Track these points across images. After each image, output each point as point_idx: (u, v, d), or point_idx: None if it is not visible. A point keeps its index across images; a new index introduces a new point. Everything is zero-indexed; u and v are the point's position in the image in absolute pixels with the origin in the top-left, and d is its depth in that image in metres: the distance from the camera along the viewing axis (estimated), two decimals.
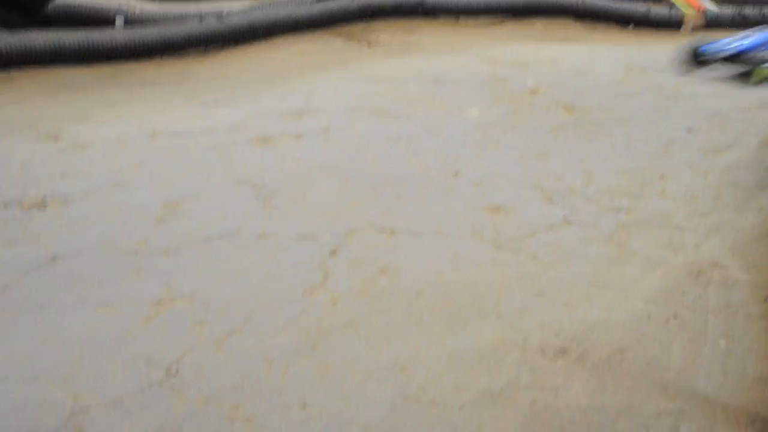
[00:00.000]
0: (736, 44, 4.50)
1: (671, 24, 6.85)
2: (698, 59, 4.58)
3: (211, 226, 2.43)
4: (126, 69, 5.05)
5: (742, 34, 4.75)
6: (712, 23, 6.81)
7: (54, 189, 2.71)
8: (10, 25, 5.37)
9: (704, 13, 6.89)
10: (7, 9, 5.45)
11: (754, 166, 3.02)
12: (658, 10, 6.92)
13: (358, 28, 6.43)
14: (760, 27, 4.99)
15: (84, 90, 4.42)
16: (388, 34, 6.41)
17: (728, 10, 7.00)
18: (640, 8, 6.88)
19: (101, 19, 6.03)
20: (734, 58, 4.44)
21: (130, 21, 6.05)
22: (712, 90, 4.22)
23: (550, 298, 2.00)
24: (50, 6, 5.91)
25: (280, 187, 2.75)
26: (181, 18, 5.87)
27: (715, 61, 4.50)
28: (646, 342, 1.80)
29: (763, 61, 4.35)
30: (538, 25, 6.83)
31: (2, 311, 1.95)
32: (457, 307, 1.96)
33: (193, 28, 5.32)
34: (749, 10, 6.94)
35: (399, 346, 1.78)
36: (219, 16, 5.65)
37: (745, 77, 4.34)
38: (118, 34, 5.06)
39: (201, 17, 5.63)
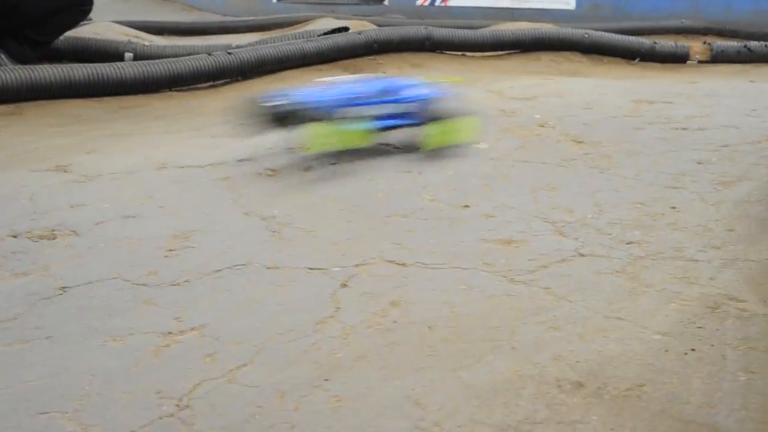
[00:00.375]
0: (300, 95, 3.29)
1: (677, 58, 6.89)
2: (260, 114, 3.22)
3: (220, 258, 2.42)
4: (134, 102, 5.08)
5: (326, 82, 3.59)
6: (718, 57, 6.85)
7: (63, 220, 2.71)
8: (21, 59, 5.41)
9: (710, 46, 6.93)
10: (18, 43, 5.49)
11: (767, 198, 3.00)
12: (664, 44, 6.96)
13: (364, 62, 6.47)
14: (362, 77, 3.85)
15: (93, 123, 4.44)
16: (394, 68, 6.45)
17: (734, 44, 7.03)
18: (646, 42, 6.92)
19: (110, 54, 6.08)
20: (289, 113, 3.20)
21: (139, 55, 6.10)
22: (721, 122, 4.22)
23: (565, 331, 1.97)
24: (60, 40, 5.96)
25: (289, 219, 2.74)
26: (189, 52, 5.91)
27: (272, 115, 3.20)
28: (665, 376, 1.77)
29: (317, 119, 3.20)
30: (544, 59, 6.87)
31: (12, 342, 1.93)
32: (470, 340, 1.93)
33: (202, 62, 5.35)
34: (755, 44, 6.97)
35: (413, 379, 1.76)
36: (228, 50, 5.69)
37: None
38: (127, 68, 5.09)
39: (210, 51, 5.67)
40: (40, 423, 1.61)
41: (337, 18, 9.25)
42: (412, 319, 2.03)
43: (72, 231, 2.62)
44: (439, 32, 6.70)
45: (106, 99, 5.07)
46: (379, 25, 7.59)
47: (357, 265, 2.35)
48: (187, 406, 1.66)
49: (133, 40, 6.63)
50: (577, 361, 1.83)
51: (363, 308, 2.09)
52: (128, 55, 5.95)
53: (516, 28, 7.13)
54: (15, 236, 2.56)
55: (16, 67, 4.83)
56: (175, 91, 5.45)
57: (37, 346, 1.92)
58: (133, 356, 1.86)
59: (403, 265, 2.37)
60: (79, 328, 2.00)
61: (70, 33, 6.02)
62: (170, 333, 1.97)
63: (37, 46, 5.63)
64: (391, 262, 2.39)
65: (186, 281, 2.27)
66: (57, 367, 1.82)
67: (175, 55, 5.73)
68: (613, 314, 2.08)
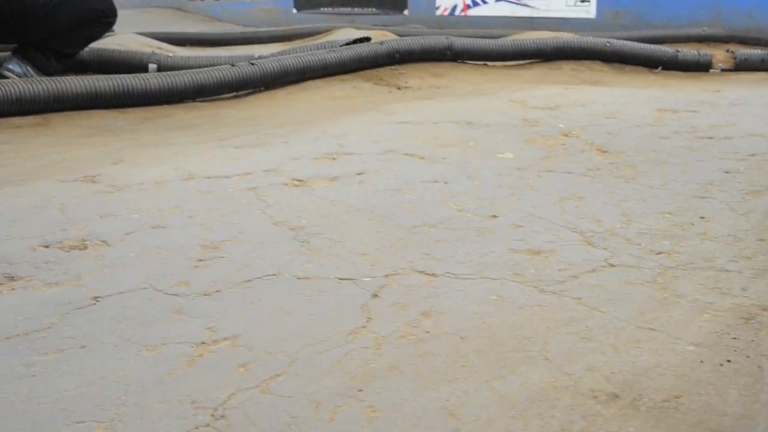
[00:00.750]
0: None
1: (700, 66, 6.86)
2: None
3: (250, 269, 2.43)
4: (159, 113, 5.13)
5: None
6: (742, 65, 6.81)
7: (93, 230, 2.73)
8: (47, 71, 5.48)
9: (733, 54, 6.89)
10: (43, 55, 5.56)
11: None
12: (687, 52, 6.94)
13: (386, 72, 6.49)
14: None
15: (119, 133, 4.49)
16: (416, 78, 6.48)
17: (758, 52, 7.00)
18: (668, 50, 6.90)
19: (134, 65, 6.14)
20: None
21: (163, 67, 6.15)
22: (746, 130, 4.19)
23: (598, 342, 1.96)
24: (85, 52, 6.02)
25: (318, 229, 2.75)
26: (212, 63, 5.96)
27: None
28: (701, 387, 1.75)
29: None
30: (566, 68, 6.88)
31: (47, 351, 1.94)
32: (503, 350, 1.93)
33: (225, 72, 5.39)
34: None
35: (447, 389, 1.75)
36: (251, 61, 5.73)
37: None
38: (151, 79, 5.14)
39: (233, 62, 5.71)
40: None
41: (358, 28, 9.30)
42: (444, 329, 2.03)
43: (102, 241, 2.64)
44: (461, 42, 6.72)
45: (131, 110, 5.12)
46: (399, 35, 7.63)
47: (387, 276, 2.36)
48: (223, 416, 1.67)
49: (157, 51, 6.70)
50: (612, 372, 1.82)
51: (394, 318, 2.09)
52: (152, 66, 6.01)
53: (537, 38, 7.14)
54: (47, 246, 2.59)
55: (43, 79, 4.89)
56: (199, 101, 5.49)
57: (72, 356, 1.93)
58: (167, 366, 1.87)
59: (433, 275, 2.37)
60: (113, 338, 2.02)
61: (95, 44, 6.09)
62: (203, 343, 1.98)
63: (63, 57, 5.69)
64: (421, 272, 2.39)
65: (217, 291, 2.28)
66: (92, 377, 1.83)
67: (199, 66, 5.78)
68: (646, 325, 2.06)
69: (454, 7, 12.34)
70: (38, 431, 1.62)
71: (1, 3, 5.28)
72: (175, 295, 2.26)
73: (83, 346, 1.98)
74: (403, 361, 1.88)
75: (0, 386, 1.79)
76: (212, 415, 1.67)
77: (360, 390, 1.76)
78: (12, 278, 2.38)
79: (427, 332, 2.02)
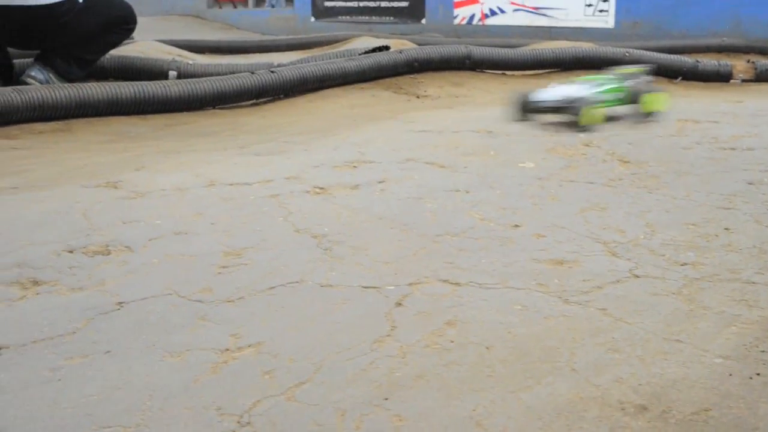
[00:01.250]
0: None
1: (720, 77, 6.82)
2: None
3: (274, 276, 2.43)
4: (180, 120, 5.15)
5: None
6: (763, 76, 6.77)
7: (117, 236, 2.74)
8: (69, 78, 5.52)
9: (754, 64, 6.85)
10: (65, 61, 5.60)
11: None
12: (707, 63, 6.90)
13: (405, 80, 6.50)
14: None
15: (140, 140, 4.51)
16: (435, 86, 6.48)
17: None
18: (689, 61, 6.87)
19: (154, 72, 6.17)
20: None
21: (183, 74, 6.18)
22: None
23: (624, 353, 1.95)
24: (105, 58, 6.06)
25: (340, 237, 2.75)
26: (232, 71, 5.99)
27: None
28: (730, 400, 1.73)
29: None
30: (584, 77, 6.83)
31: (72, 356, 1.95)
32: (529, 360, 1.91)
33: (245, 80, 5.41)
34: None
35: (473, 399, 1.74)
36: (270, 68, 5.75)
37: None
38: (172, 86, 5.17)
39: (252, 70, 5.74)
40: None
41: (376, 37, 9.31)
42: (470, 339, 2.02)
43: (126, 247, 2.65)
44: (480, 51, 6.72)
45: (151, 116, 5.15)
46: (417, 44, 7.63)
47: (410, 284, 2.35)
48: (248, 423, 1.66)
49: (177, 58, 6.73)
50: (640, 384, 1.80)
51: (419, 327, 2.08)
52: (172, 73, 6.04)
53: (556, 47, 7.13)
54: (71, 251, 2.60)
55: (65, 85, 4.92)
56: (219, 109, 5.52)
57: (97, 361, 1.94)
58: (191, 372, 1.87)
59: (457, 284, 2.36)
60: (138, 343, 2.02)
61: (115, 51, 6.14)
62: (227, 350, 1.98)
63: (84, 64, 5.74)
64: (444, 281, 2.38)
65: (240, 298, 2.28)
66: (117, 382, 1.84)
67: (219, 74, 5.80)
68: (673, 337, 2.05)
69: (472, 17, 12.36)
70: None
71: (24, 10, 5.33)
72: (199, 301, 2.26)
73: (108, 351, 1.98)
74: (429, 371, 1.87)
75: (26, 390, 1.80)
76: (238, 422, 1.67)
77: (386, 399, 1.75)
78: (37, 282, 2.39)
79: (452, 342, 2.01)
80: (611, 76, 4.92)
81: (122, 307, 2.23)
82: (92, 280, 2.40)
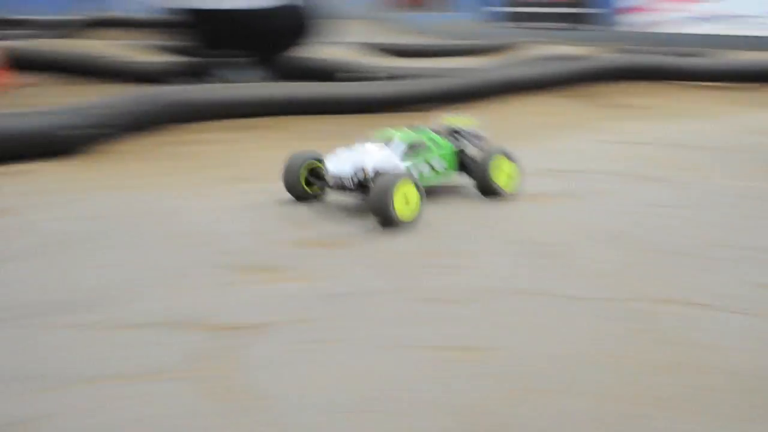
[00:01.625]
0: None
1: None
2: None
3: (494, 281, 2.39)
4: (378, 121, 5.18)
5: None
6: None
7: (332, 231, 2.81)
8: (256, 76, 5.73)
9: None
10: (260, 63, 5.82)
11: None
12: None
13: (598, 89, 6.32)
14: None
15: (329, 138, 4.54)
16: (625, 96, 6.26)
17: None
18: None
19: (327, 74, 6.15)
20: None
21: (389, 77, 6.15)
22: None
23: None
24: (285, 59, 6.21)
25: (558, 247, 2.67)
26: (435, 74, 5.99)
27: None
28: None
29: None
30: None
31: (305, 341, 1.99)
32: None
33: (437, 84, 5.45)
34: None
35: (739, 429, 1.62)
36: (456, 73, 5.73)
37: None
38: (388, 87, 5.27)
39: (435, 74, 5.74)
40: (340, 420, 1.64)
41: (565, 44, 9.14)
42: (716, 365, 1.88)
43: (346, 242, 2.72)
44: (676, 61, 6.47)
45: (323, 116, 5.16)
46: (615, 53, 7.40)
47: (652, 301, 2.24)
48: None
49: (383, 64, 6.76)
50: None
51: (662, 347, 1.96)
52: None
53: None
54: (299, 244, 2.71)
55: (251, 86, 5.15)
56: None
57: (329, 348, 1.96)
58: (423, 367, 1.85)
59: (691, 304, 2.22)
60: (368, 334, 2.03)
61: (305, 53, 6.31)
62: (459, 348, 1.95)
63: (265, 64, 5.95)
64: (679, 302, 2.25)
65: (463, 301, 2.25)
66: (347, 371, 1.84)
67: (420, 77, 5.79)
68: None
69: (662, 24, 11.92)
70: (286, 416, 1.65)
71: (214, 14, 5.62)
72: (424, 300, 2.24)
73: (340, 339, 2.00)
74: (678, 396, 1.74)
75: (267, 368, 1.85)
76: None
77: (649, 418, 1.65)
78: (272, 270, 2.48)
79: (698, 367, 1.87)
80: (425, 131, 3.37)
81: (350, 298, 2.26)
82: (321, 272, 2.46)
